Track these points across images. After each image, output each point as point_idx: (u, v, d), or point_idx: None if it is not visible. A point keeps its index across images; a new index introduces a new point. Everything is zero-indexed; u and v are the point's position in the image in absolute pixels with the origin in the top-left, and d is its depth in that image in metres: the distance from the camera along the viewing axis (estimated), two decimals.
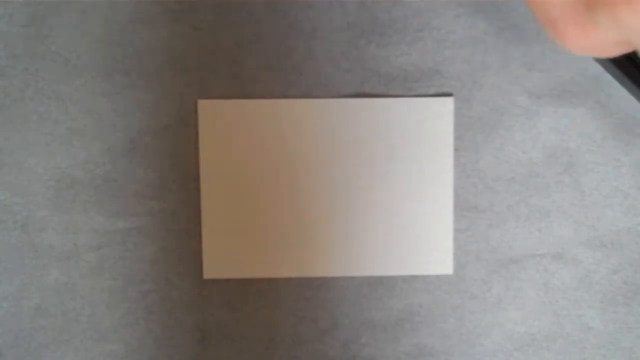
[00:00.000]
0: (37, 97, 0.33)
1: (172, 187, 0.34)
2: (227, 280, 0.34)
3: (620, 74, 0.31)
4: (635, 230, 0.34)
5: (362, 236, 0.34)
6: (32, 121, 0.33)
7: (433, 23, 0.34)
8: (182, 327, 0.34)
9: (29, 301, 0.34)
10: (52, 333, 0.34)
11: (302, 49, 0.33)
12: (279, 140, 0.33)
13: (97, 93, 0.33)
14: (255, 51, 0.33)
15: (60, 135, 0.33)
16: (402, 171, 0.34)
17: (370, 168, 0.34)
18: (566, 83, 0.34)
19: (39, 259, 0.34)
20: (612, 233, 0.34)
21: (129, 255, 0.34)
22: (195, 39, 0.33)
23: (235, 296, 0.34)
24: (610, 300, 0.34)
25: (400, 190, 0.34)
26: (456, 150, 0.34)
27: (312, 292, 0.34)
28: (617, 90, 0.34)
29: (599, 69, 0.34)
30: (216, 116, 0.33)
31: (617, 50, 0.22)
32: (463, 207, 0.34)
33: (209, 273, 0.34)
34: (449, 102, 0.34)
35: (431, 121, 0.34)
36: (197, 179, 0.34)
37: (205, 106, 0.33)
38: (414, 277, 0.34)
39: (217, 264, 0.34)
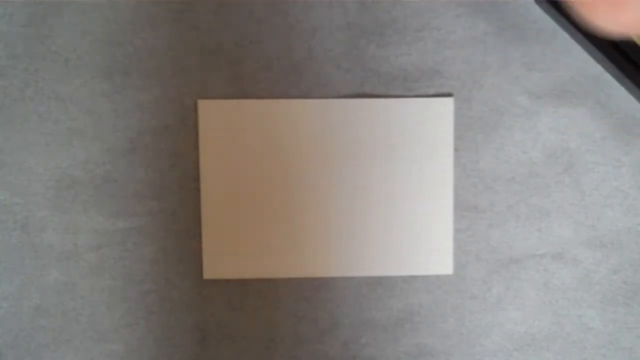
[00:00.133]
0: (37, 97, 0.33)
1: (172, 187, 0.34)
2: (227, 280, 0.34)
3: (620, 74, 0.31)
4: (635, 230, 0.34)
5: (362, 236, 0.34)
6: (32, 121, 0.33)
7: (433, 23, 0.34)
8: (182, 327, 0.34)
9: (29, 301, 0.34)
10: (52, 333, 0.34)
11: (302, 49, 0.33)
12: (279, 140, 0.33)
13: (97, 93, 0.33)
14: (255, 51, 0.33)
15: (60, 135, 0.33)
16: (402, 171, 0.34)
17: (370, 168, 0.34)
18: (566, 83, 0.34)
19: (39, 259, 0.34)
20: (612, 233, 0.34)
21: (129, 255, 0.34)
22: (195, 39, 0.33)
23: (235, 296, 0.34)
24: (610, 300, 0.34)
25: (400, 190, 0.34)
26: (456, 150, 0.34)
27: (312, 292, 0.34)
28: (617, 90, 0.34)
29: (599, 69, 0.34)
30: (216, 116, 0.33)
31: None
32: (463, 207, 0.34)
33: (209, 273, 0.34)
34: (449, 102, 0.34)
35: (431, 121, 0.34)
36: (197, 179, 0.34)
37: (205, 106, 0.33)
38: (414, 277, 0.34)
39: (217, 264, 0.34)
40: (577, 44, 0.34)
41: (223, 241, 0.34)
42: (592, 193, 0.34)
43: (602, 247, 0.34)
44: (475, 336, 0.34)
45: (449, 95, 0.34)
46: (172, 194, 0.34)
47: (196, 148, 0.34)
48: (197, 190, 0.34)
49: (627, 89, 0.33)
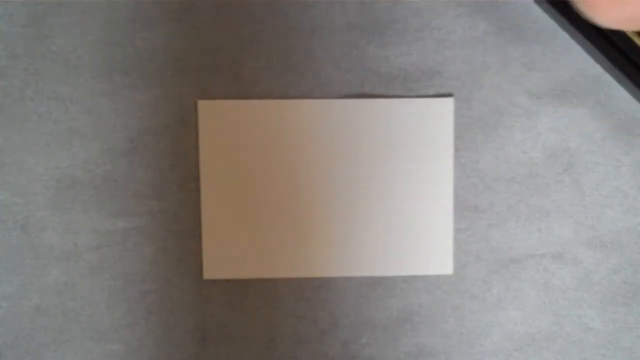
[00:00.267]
0: (37, 97, 0.33)
1: (172, 187, 0.34)
2: (227, 280, 0.34)
3: (620, 74, 0.31)
4: (635, 230, 0.34)
5: (362, 236, 0.34)
6: (32, 121, 0.33)
7: (433, 23, 0.34)
8: (182, 327, 0.34)
9: (29, 301, 0.34)
10: (52, 333, 0.34)
11: (302, 49, 0.33)
12: (279, 141, 0.33)
13: (97, 93, 0.33)
14: (255, 51, 0.33)
15: (60, 135, 0.33)
16: (402, 171, 0.34)
17: (370, 168, 0.34)
18: (566, 83, 0.34)
19: (39, 259, 0.34)
20: (612, 233, 0.34)
21: (129, 255, 0.34)
22: (195, 39, 0.33)
23: (235, 296, 0.34)
24: (610, 300, 0.34)
25: (400, 190, 0.34)
26: (456, 150, 0.34)
27: (312, 292, 0.34)
28: (617, 90, 0.34)
29: (599, 69, 0.34)
30: (216, 116, 0.33)
31: None
32: (463, 207, 0.34)
33: (209, 273, 0.34)
34: (449, 102, 0.34)
35: (431, 121, 0.34)
36: (197, 179, 0.34)
37: (205, 106, 0.33)
38: (414, 277, 0.34)
39: (217, 264, 0.34)
40: (577, 44, 0.34)
41: (223, 241, 0.34)
42: (592, 193, 0.34)
43: (602, 247, 0.34)
44: (475, 336, 0.34)
45: (449, 95, 0.34)
46: (172, 194, 0.34)
47: (196, 148, 0.34)
48: (197, 190, 0.34)
49: (627, 89, 0.33)
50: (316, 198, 0.34)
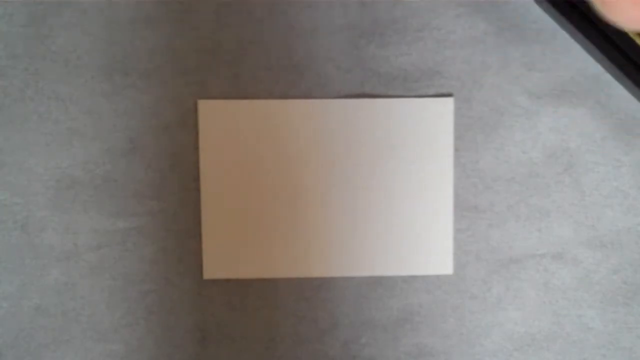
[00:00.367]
0: (37, 97, 0.33)
1: (172, 187, 0.34)
2: (227, 280, 0.34)
3: (620, 73, 0.31)
4: (635, 230, 0.34)
5: (361, 236, 0.34)
6: (32, 121, 0.33)
7: (433, 23, 0.34)
8: (182, 327, 0.34)
9: (29, 301, 0.34)
10: (52, 333, 0.34)
11: (302, 49, 0.33)
12: (279, 141, 0.33)
13: (97, 93, 0.33)
14: (255, 51, 0.33)
15: (60, 135, 0.33)
16: (402, 171, 0.34)
17: (370, 168, 0.34)
18: (566, 83, 0.34)
19: (39, 259, 0.34)
20: (612, 233, 0.34)
21: (129, 255, 0.34)
22: (195, 39, 0.33)
23: (235, 296, 0.34)
24: (610, 300, 0.34)
25: (400, 190, 0.34)
26: (456, 150, 0.34)
27: (312, 292, 0.34)
28: (617, 90, 0.34)
29: (599, 69, 0.34)
30: (216, 116, 0.33)
31: None
32: (463, 207, 0.34)
33: (209, 273, 0.34)
34: (449, 102, 0.34)
35: (431, 121, 0.34)
36: (197, 179, 0.34)
37: (205, 106, 0.33)
38: (414, 277, 0.34)
39: (217, 264, 0.34)
40: (577, 44, 0.34)
41: (223, 241, 0.34)
42: (592, 193, 0.34)
43: (602, 247, 0.34)
44: (475, 336, 0.34)
45: (449, 95, 0.34)
46: (172, 194, 0.34)
47: (196, 148, 0.34)
48: (197, 190, 0.34)
49: (627, 89, 0.33)
50: (316, 198, 0.34)
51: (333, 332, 0.34)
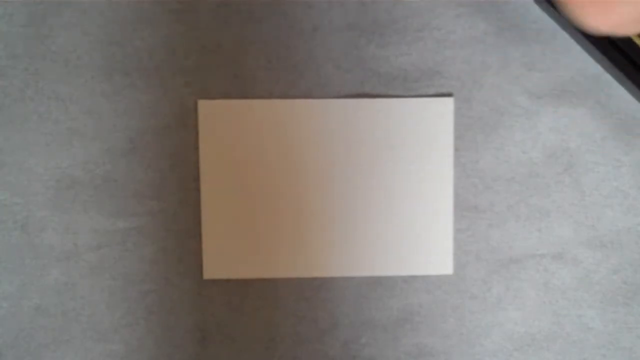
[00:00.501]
0: (37, 97, 0.33)
1: (172, 187, 0.34)
2: (227, 280, 0.34)
3: (620, 74, 0.31)
4: (635, 230, 0.34)
5: (361, 236, 0.34)
6: (32, 121, 0.33)
7: (433, 23, 0.34)
8: (182, 327, 0.34)
9: (29, 301, 0.34)
10: (52, 333, 0.34)
11: (302, 49, 0.33)
12: (279, 140, 0.33)
13: (97, 93, 0.33)
14: (255, 51, 0.33)
15: (60, 135, 0.33)
16: (402, 171, 0.34)
17: (370, 168, 0.34)
18: (566, 83, 0.34)
19: (39, 259, 0.34)
20: (612, 233, 0.34)
21: (129, 255, 0.34)
22: (195, 39, 0.33)
23: (235, 296, 0.34)
24: (610, 300, 0.34)
25: (400, 190, 0.34)
26: (456, 150, 0.34)
27: (312, 292, 0.34)
28: (617, 90, 0.34)
29: (599, 69, 0.34)
30: (216, 116, 0.33)
31: (638, 28, 0.22)
32: (463, 207, 0.34)
33: (209, 273, 0.34)
34: (449, 102, 0.34)
35: (431, 121, 0.34)
36: (197, 179, 0.34)
37: (205, 106, 0.33)
38: (414, 277, 0.34)
39: (217, 264, 0.34)
40: (577, 44, 0.34)
41: (223, 241, 0.34)
42: (592, 193, 0.34)
43: (602, 247, 0.34)
44: (475, 336, 0.34)
45: (449, 95, 0.34)
46: (172, 194, 0.34)
47: (196, 148, 0.34)
48: (197, 190, 0.34)
49: (627, 89, 0.33)
50: (316, 198, 0.34)
51: (333, 332, 0.34)
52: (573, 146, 0.34)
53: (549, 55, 0.34)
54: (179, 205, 0.34)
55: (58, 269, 0.34)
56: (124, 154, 0.33)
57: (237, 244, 0.34)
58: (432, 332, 0.34)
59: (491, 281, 0.34)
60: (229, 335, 0.34)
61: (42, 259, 0.34)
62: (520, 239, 0.34)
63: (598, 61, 0.33)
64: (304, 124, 0.33)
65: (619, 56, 0.31)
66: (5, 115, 0.33)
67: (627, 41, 0.31)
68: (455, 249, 0.34)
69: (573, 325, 0.34)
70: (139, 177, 0.34)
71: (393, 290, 0.34)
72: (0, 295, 0.34)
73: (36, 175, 0.33)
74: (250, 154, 0.33)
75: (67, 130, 0.33)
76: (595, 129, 0.34)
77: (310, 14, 0.33)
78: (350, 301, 0.34)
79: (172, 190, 0.34)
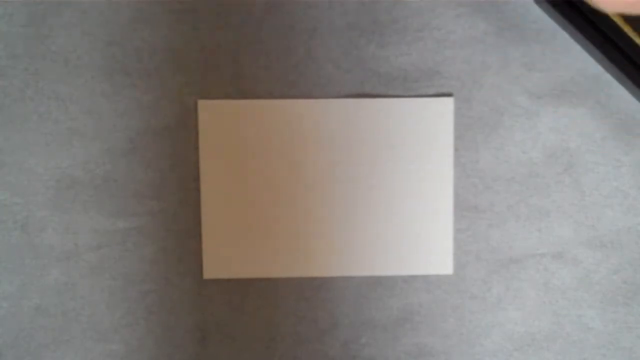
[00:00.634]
0: (37, 97, 0.33)
1: (172, 187, 0.34)
2: (227, 280, 0.34)
3: (620, 74, 0.31)
4: (635, 230, 0.34)
5: (361, 236, 0.34)
6: (32, 121, 0.33)
7: (433, 23, 0.34)
8: (182, 327, 0.34)
9: (29, 301, 0.34)
10: (52, 333, 0.34)
11: (302, 49, 0.33)
12: (279, 141, 0.33)
13: (97, 93, 0.33)
14: (255, 51, 0.33)
15: (60, 135, 0.33)
16: (402, 171, 0.34)
17: (370, 168, 0.34)
18: (566, 83, 0.34)
19: (39, 259, 0.34)
20: (612, 233, 0.34)
21: (129, 255, 0.34)
22: (195, 39, 0.33)
23: (235, 296, 0.34)
24: (610, 300, 0.34)
25: (400, 190, 0.34)
26: (456, 150, 0.34)
27: (312, 292, 0.34)
28: (617, 90, 0.34)
29: (599, 69, 0.34)
30: (216, 116, 0.33)
31: None
32: (463, 207, 0.34)
33: (209, 273, 0.34)
34: (449, 102, 0.34)
35: (431, 121, 0.34)
36: (197, 179, 0.34)
37: (205, 106, 0.33)
38: (414, 277, 0.34)
39: (217, 264, 0.34)
40: (577, 44, 0.34)
41: (223, 241, 0.34)
42: (592, 193, 0.34)
43: (602, 247, 0.34)
44: (475, 336, 0.34)
45: (449, 95, 0.34)
46: (172, 194, 0.34)
47: (196, 148, 0.34)
48: (197, 190, 0.34)
49: (627, 89, 0.33)
50: (316, 198, 0.34)
51: (333, 332, 0.34)
52: (573, 146, 0.34)
53: (549, 55, 0.34)
54: (179, 205, 0.34)
55: (58, 269, 0.34)
56: (124, 154, 0.33)
57: (237, 244, 0.34)
58: (432, 332, 0.34)
59: (491, 281, 0.34)
60: (229, 335, 0.34)
61: (42, 259, 0.34)
62: (520, 239, 0.34)
63: (598, 61, 0.33)
64: (304, 124, 0.33)
65: (619, 56, 0.31)
66: (5, 115, 0.33)
67: (627, 41, 0.31)
68: (455, 249, 0.34)
69: (573, 325, 0.34)
70: (139, 177, 0.34)
71: (393, 290, 0.34)
72: (0, 295, 0.34)
73: (36, 175, 0.33)
74: (250, 154, 0.33)
75: (67, 130, 0.33)
76: (595, 129, 0.34)
77: (310, 14, 0.33)
78: (350, 301, 0.34)
79: (172, 190, 0.34)
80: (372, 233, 0.34)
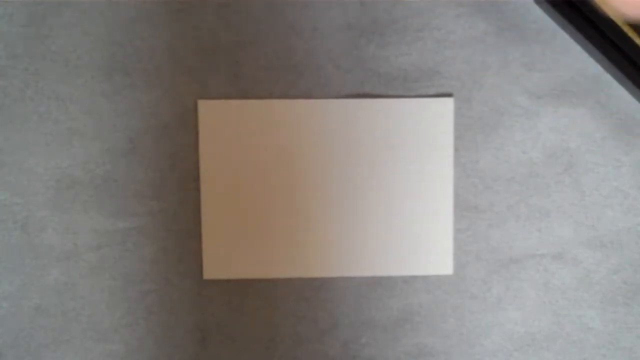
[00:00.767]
0: (37, 97, 0.33)
1: (172, 187, 0.34)
2: (227, 280, 0.34)
3: (620, 74, 0.31)
4: (635, 230, 0.34)
5: (362, 236, 0.34)
6: (32, 121, 0.33)
7: (433, 23, 0.34)
8: (182, 327, 0.34)
9: (29, 301, 0.34)
10: (52, 333, 0.34)
11: (302, 49, 0.33)
12: (279, 140, 0.33)
13: (97, 93, 0.33)
14: (255, 51, 0.33)
15: (60, 135, 0.33)
16: (402, 171, 0.34)
17: (370, 168, 0.34)
18: (566, 83, 0.34)
19: (39, 259, 0.34)
20: (612, 233, 0.34)
21: (129, 255, 0.34)
22: (195, 39, 0.33)
23: (235, 296, 0.34)
24: (610, 300, 0.34)
25: (400, 190, 0.34)
26: (456, 150, 0.34)
27: (312, 292, 0.34)
28: (617, 90, 0.34)
29: (599, 69, 0.34)
30: (216, 116, 0.33)
31: None
32: (463, 207, 0.34)
33: (209, 273, 0.34)
34: (449, 102, 0.34)
35: (431, 121, 0.34)
36: (197, 179, 0.34)
37: (205, 106, 0.33)
38: (414, 277, 0.34)
39: (217, 264, 0.34)
40: (577, 44, 0.34)
41: (223, 241, 0.34)
42: (592, 193, 0.34)
43: (602, 247, 0.34)
44: (475, 336, 0.34)
45: (449, 95, 0.34)
46: (172, 194, 0.34)
47: (196, 148, 0.34)
48: (197, 190, 0.34)
49: (627, 89, 0.33)
50: (316, 198, 0.34)
51: (333, 332, 0.34)
52: (573, 146, 0.34)
53: (549, 55, 0.34)
54: (179, 205, 0.34)
55: (58, 269, 0.34)
56: (124, 154, 0.33)
57: (237, 244, 0.34)
58: (432, 332, 0.34)
59: (491, 281, 0.34)
60: (229, 335, 0.34)
61: (42, 259, 0.34)
62: (520, 239, 0.34)
63: (598, 61, 0.33)
64: (304, 124, 0.33)
65: (619, 56, 0.31)
66: (5, 115, 0.33)
67: (627, 41, 0.31)
68: (455, 249, 0.34)
69: (573, 325, 0.34)
70: (139, 177, 0.34)
71: (393, 290, 0.34)
72: (0, 295, 0.34)
73: (36, 175, 0.33)
74: (250, 154, 0.33)
75: (67, 130, 0.33)
76: (595, 129, 0.34)
77: (310, 14, 0.33)
78: (350, 301, 0.34)
79: (172, 190, 0.34)
80: (372, 233, 0.34)
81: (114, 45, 0.33)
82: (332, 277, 0.34)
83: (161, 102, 0.33)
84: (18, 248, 0.33)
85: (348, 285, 0.34)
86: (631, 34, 0.31)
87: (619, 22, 0.31)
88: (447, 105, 0.34)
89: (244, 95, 0.34)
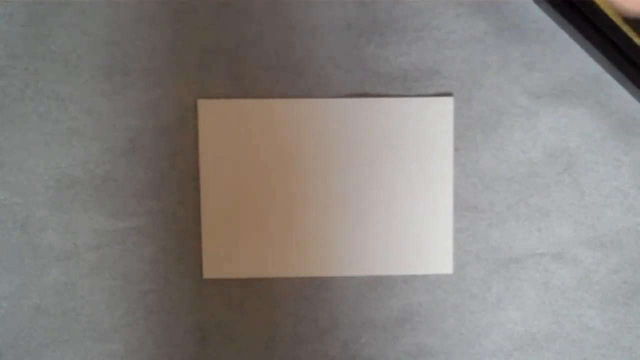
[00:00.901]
0: (37, 97, 0.33)
1: (172, 187, 0.34)
2: (227, 280, 0.34)
3: (620, 74, 0.31)
4: (635, 230, 0.34)
5: (362, 236, 0.34)
6: (32, 121, 0.33)
7: (433, 23, 0.34)
8: (182, 327, 0.34)
9: (29, 301, 0.34)
10: (52, 333, 0.34)
11: (302, 49, 0.33)
12: (279, 140, 0.33)
13: (97, 93, 0.33)
14: (255, 51, 0.33)
15: (60, 135, 0.33)
16: (402, 171, 0.34)
17: (370, 168, 0.34)
18: (566, 83, 0.34)
19: (39, 259, 0.34)
20: (612, 233, 0.34)
21: (129, 255, 0.34)
22: (195, 39, 0.33)
23: (235, 296, 0.34)
24: (610, 300, 0.34)
25: (400, 190, 0.34)
26: (456, 150, 0.34)
27: (312, 292, 0.34)
28: (617, 90, 0.34)
29: (599, 69, 0.34)
30: (216, 116, 0.33)
31: None
32: (463, 207, 0.34)
33: (209, 273, 0.34)
34: (449, 102, 0.34)
35: (431, 121, 0.34)
36: (197, 179, 0.34)
37: (205, 106, 0.33)
38: (414, 277, 0.34)
39: (217, 264, 0.34)
40: (577, 44, 0.34)
41: (223, 241, 0.34)
42: (592, 193, 0.34)
43: (602, 247, 0.34)
44: (475, 336, 0.34)
45: (449, 95, 0.34)
46: (172, 194, 0.34)
47: (196, 148, 0.34)
48: (197, 190, 0.34)
49: (627, 89, 0.33)
50: (316, 198, 0.34)
51: (333, 332, 0.34)
52: (573, 146, 0.34)
53: (549, 55, 0.34)
54: (179, 205, 0.34)
55: (58, 269, 0.34)
56: (124, 154, 0.33)
57: (237, 244, 0.34)
58: (432, 332, 0.34)
59: (491, 281, 0.34)
60: (229, 335, 0.34)
61: (42, 259, 0.34)
62: (520, 239, 0.34)
63: (598, 61, 0.33)
64: (304, 124, 0.33)
65: (619, 56, 0.31)
66: (5, 115, 0.33)
67: (627, 41, 0.31)
68: (455, 249, 0.34)
69: (573, 325, 0.34)
70: (139, 177, 0.34)
71: (393, 290, 0.34)
72: (0, 295, 0.34)
73: (36, 175, 0.33)
74: (250, 154, 0.33)
75: (67, 130, 0.33)
76: (595, 129, 0.34)
77: (310, 14, 0.33)
78: (350, 301, 0.34)
79: (172, 190, 0.34)
80: (372, 233, 0.34)
81: (114, 45, 0.33)
82: (332, 276, 0.34)
83: (161, 102, 0.33)
84: (18, 248, 0.33)
85: (348, 285, 0.34)
86: (631, 34, 0.31)
87: (619, 22, 0.31)
88: (447, 105, 0.34)
89: (244, 95, 0.34)
